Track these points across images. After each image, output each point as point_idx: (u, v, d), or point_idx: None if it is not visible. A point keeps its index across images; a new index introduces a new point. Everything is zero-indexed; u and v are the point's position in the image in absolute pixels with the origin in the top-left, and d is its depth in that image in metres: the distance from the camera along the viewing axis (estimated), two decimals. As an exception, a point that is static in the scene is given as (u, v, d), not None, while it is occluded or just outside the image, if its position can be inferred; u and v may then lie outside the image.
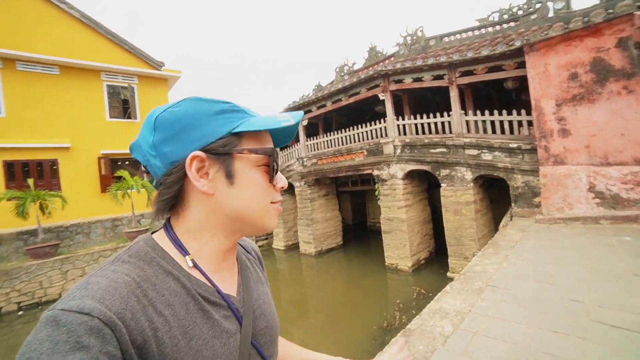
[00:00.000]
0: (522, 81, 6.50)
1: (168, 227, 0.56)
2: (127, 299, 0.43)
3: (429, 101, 10.48)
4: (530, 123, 6.15)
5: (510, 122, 6.49)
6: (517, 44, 5.88)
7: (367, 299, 6.98)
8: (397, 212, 7.95)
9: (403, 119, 8.14)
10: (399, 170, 7.86)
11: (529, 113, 6.08)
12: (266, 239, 13.06)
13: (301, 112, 0.59)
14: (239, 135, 0.54)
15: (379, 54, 11.32)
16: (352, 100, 9.29)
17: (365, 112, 12.43)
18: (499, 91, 9.28)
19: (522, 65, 6.13)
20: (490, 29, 8.73)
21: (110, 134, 11.28)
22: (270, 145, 0.59)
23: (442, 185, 7.18)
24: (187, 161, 0.50)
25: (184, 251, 0.54)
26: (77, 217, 10.25)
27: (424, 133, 7.81)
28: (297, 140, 11.43)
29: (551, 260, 3.75)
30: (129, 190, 9.60)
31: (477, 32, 9.02)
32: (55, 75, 10.40)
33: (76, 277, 8.50)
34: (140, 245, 0.52)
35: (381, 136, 8.55)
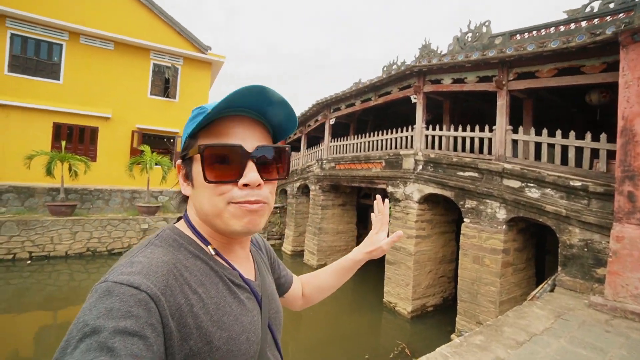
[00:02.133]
0: (616, 94, 4.38)
1: (188, 218, 0.61)
2: (167, 277, 0.48)
3: (484, 114, 8.40)
4: (611, 154, 4.07)
5: (580, 150, 4.44)
6: (609, 31, 3.89)
7: (338, 342, 5.61)
8: (405, 242, 6.35)
9: (439, 129, 6.42)
10: (415, 191, 6.24)
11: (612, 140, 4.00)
12: (279, 238, 12.35)
13: (241, 88, 0.52)
14: (196, 137, 0.57)
15: (432, 53, 9.55)
16: (381, 100, 7.87)
17: (413, 117, 10.75)
18: (586, 110, 6.84)
19: (613, 67, 4.09)
20: (584, 24, 6.41)
21: (148, 110, 11.74)
22: (231, 140, 0.56)
23: (464, 220, 5.39)
24: (176, 169, 0.62)
25: (205, 241, 0.59)
26: (104, 183, 10.86)
27: (455, 150, 6.04)
28: (323, 139, 10.36)
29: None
30: (147, 166, 9.75)
31: (563, 28, 6.76)
32: (109, 50, 11.15)
33: (83, 239, 8.88)
34: (167, 232, 0.58)
35: (406, 147, 6.98)
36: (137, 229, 9.59)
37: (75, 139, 10.65)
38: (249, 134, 0.57)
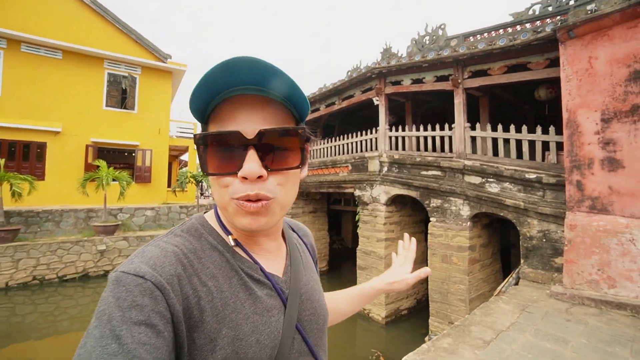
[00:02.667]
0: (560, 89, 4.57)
1: (216, 208, 0.58)
2: (175, 266, 0.46)
3: (445, 114, 8.63)
4: (560, 146, 4.22)
5: (532, 144, 4.58)
6: (548, 29, 4.06)
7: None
8: (375, 246, 6.25)
9: (402, 130, 6.45)
10: (382, 193, 6.19)
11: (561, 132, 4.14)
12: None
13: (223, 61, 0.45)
14: (207, 122, 0.53)
15: (393, 55, 9.73)
16: (345, 104, 7.85)
17: (378, 119, 10.85)
18: (536, 106, 7.20)
19: (556, 63, 4.28)
20: (528, 26, 6.78)
21: (104, 122, 11.01)
22: (231, 125, 0.49)
23: (431, 219, 5.38)
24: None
25: (227, 231, 0.55)
26: (54, 203, 9.98)
27: (418, 149, 6.08)
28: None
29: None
30: (103, 182, 9.05)
31: (510, 30, 7.12)
32: (58, 59, 10.39)
33: (28, 267, 8.00)
34: (192, 222, 0.56)
35: (371, 149, 6.96)
36: (94, 250, 8.81)
37: (19, 156, 9.72)
38: (251, 117, 0.49)
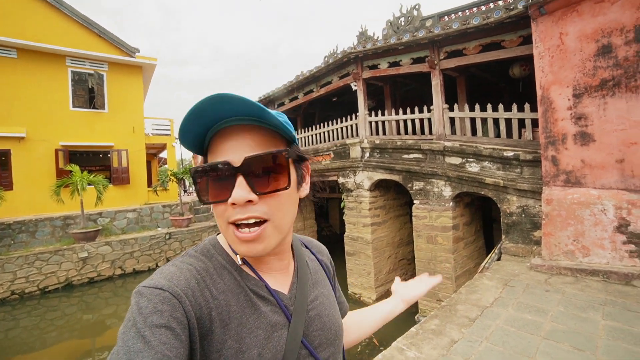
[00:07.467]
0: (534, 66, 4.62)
1: None
2: (189, 281, 0.50)
3: (424, 96, 8.64)
4: (535, 123, 4.30)
5: (509, 122, 4.66)
6: (520, 6, 4.06)
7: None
8: (362, 231, 6.31)
9: (382, 114, 6.42)
10: (365, 179, 6.20)
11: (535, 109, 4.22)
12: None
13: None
14: (207, 152, 0.56)
15: (369, 39, 9.58)
16: (323, 91, 7.72)
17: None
18: (511, 83, 7.30)
19: (529, 40, 4.30)
20: (501, 3, 6.77)
21: (73, 124, 10.43)
22: (221, 156, 0.52)
23: (414, 202, 5.46)
24: None
25: (234, 251, 0.57)
26: (28, 213, 9.51)
27: (399, 133, 6.09)
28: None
29: (523, 371, 2.05)
30: (78, 187, 8.65)
31: (484, 8, 7.10)
32: (12, 58, 9.64)
33: (5, 282, 7.66)
34: (205, 243, 0.60)
35: (352, 135, 6.92)
36: (75, 258, 8.51)
37: (-19, 167, 9.13)
38: (238, 146, 0.52)
